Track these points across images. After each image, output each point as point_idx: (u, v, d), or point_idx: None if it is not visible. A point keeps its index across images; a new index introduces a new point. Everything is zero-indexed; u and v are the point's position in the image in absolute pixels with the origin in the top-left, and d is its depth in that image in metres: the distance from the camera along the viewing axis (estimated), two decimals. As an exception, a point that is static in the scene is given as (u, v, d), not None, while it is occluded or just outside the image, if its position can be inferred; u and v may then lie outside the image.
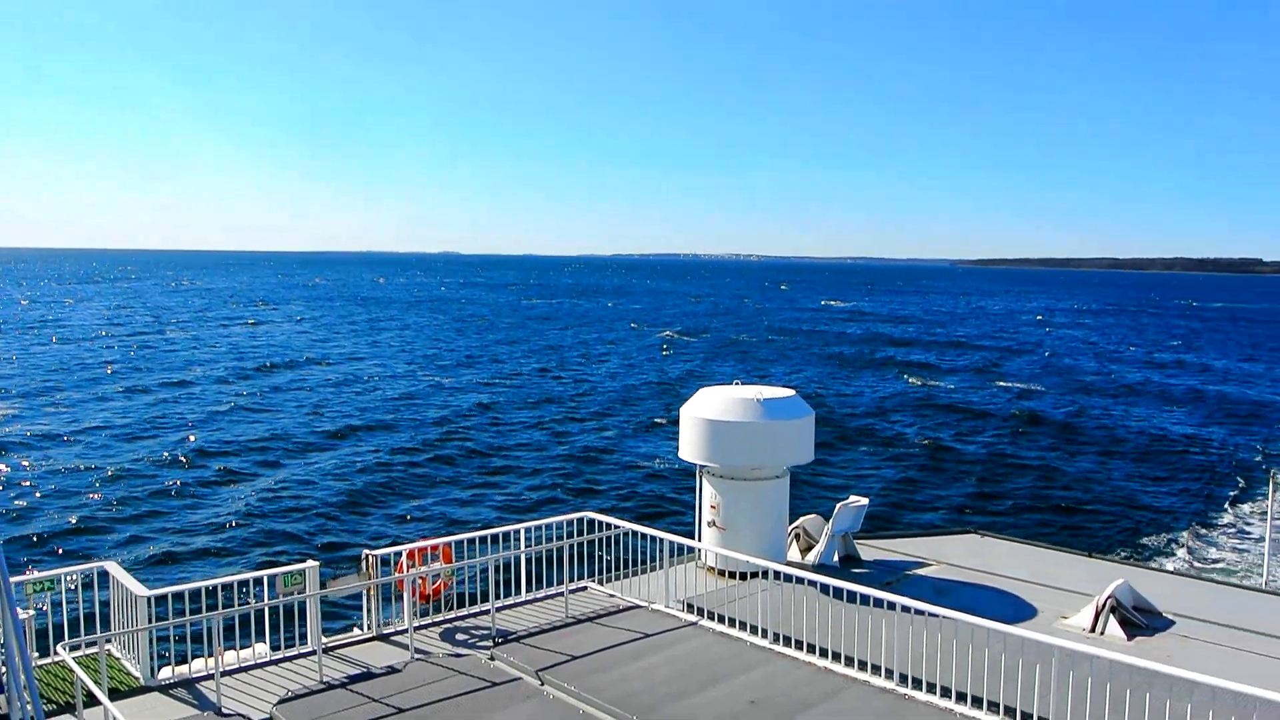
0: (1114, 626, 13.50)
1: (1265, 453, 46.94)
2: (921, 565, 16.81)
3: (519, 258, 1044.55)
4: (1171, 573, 22.38)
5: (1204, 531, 32.30)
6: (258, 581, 12.34)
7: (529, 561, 14.61)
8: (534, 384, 67.65)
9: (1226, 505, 36.00)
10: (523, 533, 14.63)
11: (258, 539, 30.08)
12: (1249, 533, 31.35)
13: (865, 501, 17.06)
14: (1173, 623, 14.06)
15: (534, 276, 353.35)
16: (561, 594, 14.22)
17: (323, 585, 12.58)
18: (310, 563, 12.57)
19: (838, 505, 16.60)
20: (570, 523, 14.80)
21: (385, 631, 13.22)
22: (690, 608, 13.76)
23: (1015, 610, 14.43)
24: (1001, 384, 73.82)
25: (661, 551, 14.31)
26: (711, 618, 13.40)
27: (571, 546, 14.36)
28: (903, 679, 11.23)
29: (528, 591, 14.65)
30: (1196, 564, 28.38)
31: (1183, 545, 30.49)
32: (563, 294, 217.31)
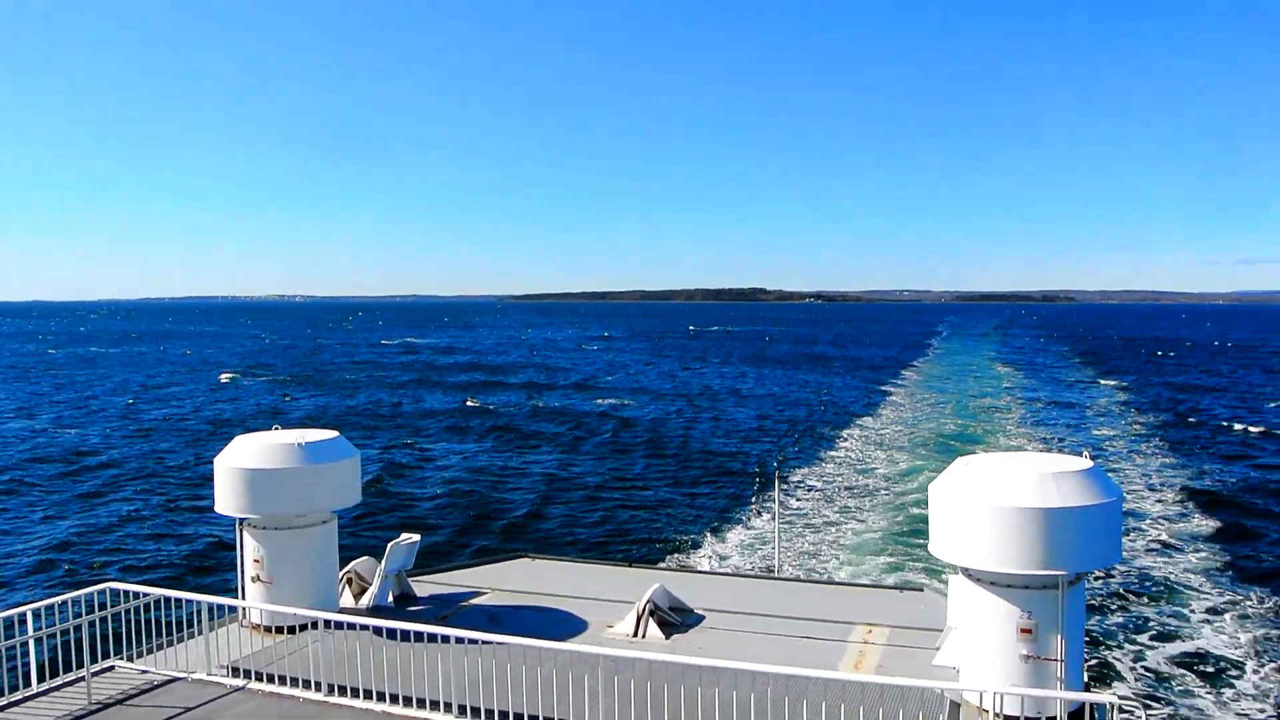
0: (654, 629, 14.50)
1: (777, 453, 53.32)
2: (477, 594, 16.98)
3: (23, 304, 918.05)
4: (702, 572, 24.66)
5: (727, 528, 35.88)
6: None
7: (40, 647, 12.73)
8: (72, 438, 59.98)
9: (745, 502, 40.27)
10: (30, 615, 12.72)
11: None
12: (763, 525, 35.28)
13: (417, 538, 16.91)
14: (703, 617, 15.37)
15: (55, 324, 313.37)
16: (83, 678, 12.57)
17: None
18: None
19: (390, 544, 16.32)
20: (90, 597, 13.12)
21: None
22: (236, 671, 12.78)
23: (566, 627, 15.01)
24: (546, 406, 77.54)
25: (200, 615, 13.15)
26: (260, 678, 12.55)
27: (92, 624, 12.74)
28: (461, 710, 11.24)
29: (40, 682, 12.78)
30: (722, 559, 31.48)
31: (710, 544, 33.66)
32: (100, 341, 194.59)
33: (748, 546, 33.07)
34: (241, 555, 15.27)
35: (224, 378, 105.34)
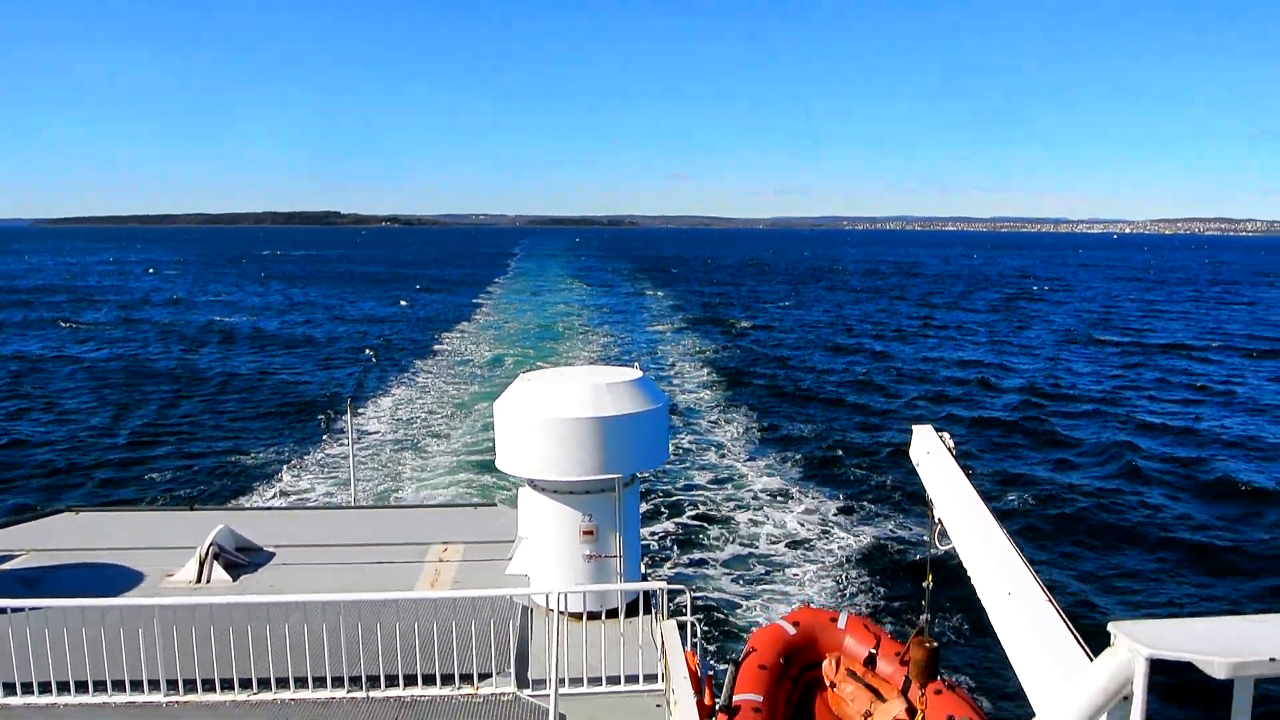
0: (219, 571, 13.77)
1: (353, 378, 52.07)
2: (9, 558, 15.12)
3: None
4: (273, 508, 23.72)
5: (300, 460, 34.49)
6: None
7: None
8: None
9: (319, 431, 38.79)
10: None
11: None
12: (338, 453, 34.35)
13: None
14: (274, 555, 14.84)
15: None
16: None
17: None
18: None
19: None
20: None
21: None
22: None
23: (119, 582, 13.84)
24: (87, 339, 70.32)
25: None
26: None
27: None
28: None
29: None
30: (294, 494, 30.30)
31: (282, 478, 32.14)
32: None
33: (322, 478, 32.11)
34: None
35: None
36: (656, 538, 26.51)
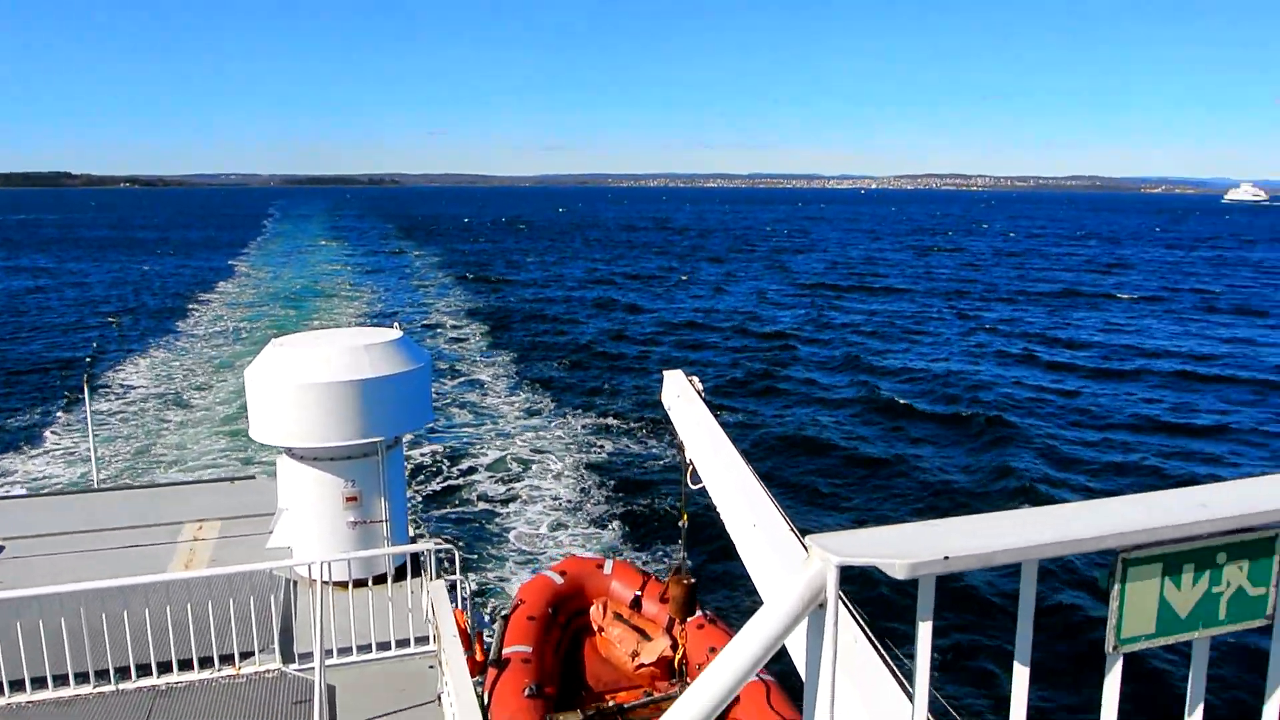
0: None
1: (89, 351, 48.05)
2: None
3: None
4: (4, 497, 21.77)
5: (29, 444, 31.53)
6: None
7: None
8: None
9: (52, 410, 35.76)
10: None
11: None
12: (75, 433, 31.68)
13: None
14: (3, 548, 13.73)
15: None
16: None
17: None
18: None
19: None
20: None
21: None
22: None
23: None
24: None
25: None
26: None
27: None
28: None
29: None
30: (32, 481, 27.71)
31: (12, 465, 29.19)
32: None
33: (58, 459, 29.53)
34: None
35: None
36: (422, 494, 26.25)
